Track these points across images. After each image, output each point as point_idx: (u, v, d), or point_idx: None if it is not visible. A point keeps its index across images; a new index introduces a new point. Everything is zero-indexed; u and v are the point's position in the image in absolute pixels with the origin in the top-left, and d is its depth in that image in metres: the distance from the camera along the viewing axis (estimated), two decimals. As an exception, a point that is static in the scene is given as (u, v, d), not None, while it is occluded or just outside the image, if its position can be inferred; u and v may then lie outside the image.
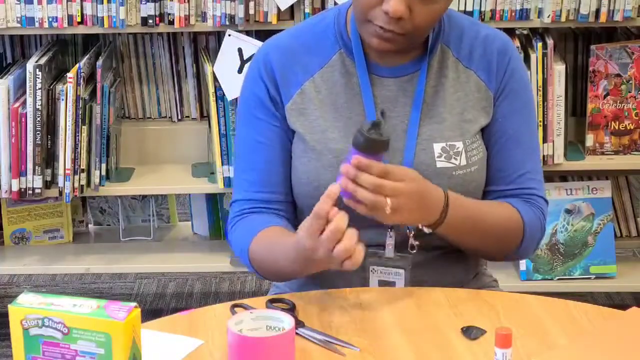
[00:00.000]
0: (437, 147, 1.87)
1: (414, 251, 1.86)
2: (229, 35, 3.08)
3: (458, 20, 1.95)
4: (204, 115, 3.39)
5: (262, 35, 3.08)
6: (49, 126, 3.12)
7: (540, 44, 3.04)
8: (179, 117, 3.42)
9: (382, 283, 1.88)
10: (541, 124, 3.07)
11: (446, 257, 1.93)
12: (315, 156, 1.88)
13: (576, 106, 3.31)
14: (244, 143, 1.96)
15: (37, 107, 3.06)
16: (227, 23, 3.06)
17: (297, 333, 1.64)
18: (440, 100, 1.89)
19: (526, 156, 1.94)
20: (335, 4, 3.00)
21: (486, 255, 2.00)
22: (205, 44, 3.34)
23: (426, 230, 1.81)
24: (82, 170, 3.12)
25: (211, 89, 3.15)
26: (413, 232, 1.83)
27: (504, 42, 1.94)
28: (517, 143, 1.93)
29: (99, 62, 3.12)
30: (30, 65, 3.04)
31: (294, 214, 1.98)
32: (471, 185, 1.90)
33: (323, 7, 3.07)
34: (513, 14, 3.04)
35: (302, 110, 1.90)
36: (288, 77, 1.91)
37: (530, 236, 1.92)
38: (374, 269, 1.89)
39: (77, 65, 3.08)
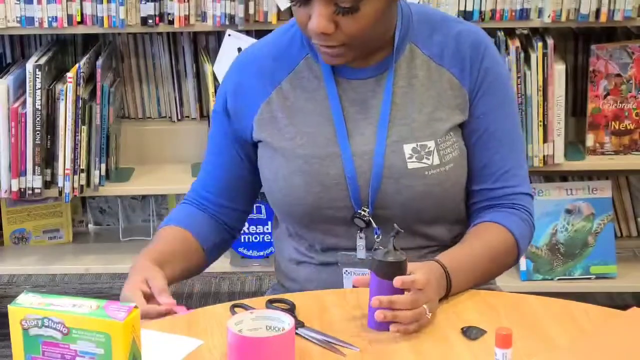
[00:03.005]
0: (408, 148, 1.85)
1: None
2: (229, 35, 3.08)
3: (430, 16, 1.93)
4: (204, 115, 3.39)
5: (261, 35, 3.07)
6: (49, 126, 3.12)
7: (540, 44, 3.04)
8: (179, 117, 3.42)
9: None
10: (541, 124, 3.07)
11: (436, 255, 1.92)
12: (284, 163, 1.88)
13: (576, 106, 3.31)
14: (208, 140, 2.02)
15: (37, 107, 3.06)
16: (227, 23, 3.06)
17: (297, 333, 1.63)
18: (410, 100, 1.88)
19: (509, 152, 1.92)
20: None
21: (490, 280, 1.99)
22: (205, 44, 3.35)
23: None
24: (82, 170, 3.12)
25: (211, 89, 3.15)
26: (401, 231, 1.77)
27: (478, 38, 1.91)
28: (499, 139, 1.91)
29: (99, 62, 3.12)
30: (30, 65, 3.04)
31: (238, 221, 2.04)
32: (447, 184, 1.87)
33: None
34: (513, 13, 3.03)
35: (270, 119, 1.90)
36: (254, 93, 1.91)
37: (524, 247, 1.93)
38: (347, 270, 1.90)
39: (76, 65, 3.08)
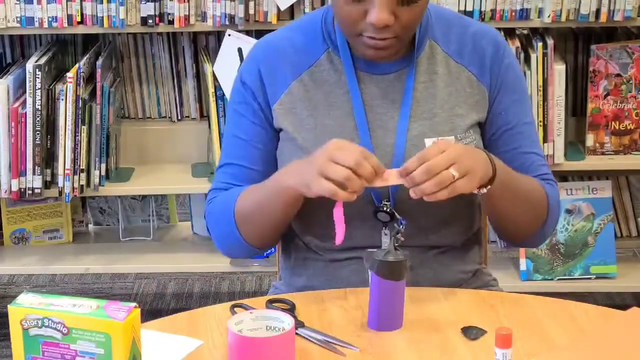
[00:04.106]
0: (429, 142, 1.87)
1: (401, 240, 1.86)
2: (229, 35, 3.08)
3: (446, 15, 1.96)
4: (204, 115, 3.39)
5: (261, 35, 3.08)
6: (49, 126, 3.12)
7: (540, 44, 3.04)
8: (179, 117, 3.42)
9: None
10: (541, 124, 3.07)
11: (443, 256, 1.93)
12: (306, 155, 1.88)
13: (576, 106, 3.31)
14: (226, 137, 1.98)
15: (37, 107, 3.06)
16: (227, 23, 3.06)
17: (297, 333, 1.64)
18: (431, 96, 1.90)
19: (532, 144, 1.97)
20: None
21: (519, 229, 1.96)
22: (205, 44, 3.35)
23: (484, 190, 1.78)
24: (82, 170, 3.12)
25: (211, 89, 3.15)
26: (401, 229, 1.78)
27: (494, 37, 1.95)
28: (521, 133, 1.95)
29: (99, 62, 3.12)
30: (30, 65, 3.04)
31: None
32: None
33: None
34: (513, 13, 3.04)
35: (290, 109, 1.91)
36: (276, 79, 1.92)
37: (553, 210, 1.95)
38: None
39: (76, 65, 3.08)
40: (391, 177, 1.73)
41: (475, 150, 1.79)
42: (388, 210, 1.86)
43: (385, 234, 1.89)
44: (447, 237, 1.93)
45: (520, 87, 1.97)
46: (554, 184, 1.99)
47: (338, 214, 1.73)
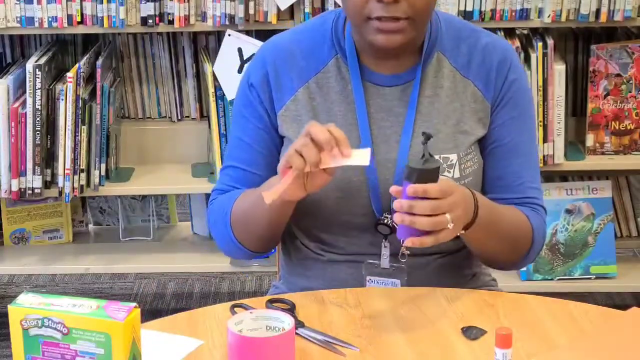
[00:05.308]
0: None
1: (404, 260, 1.86)
2: (229, 35, 3.08)
3: (457, 26, 1.93)
4: (204, 115, 3.39)
5: (262, 35, 3.09)
6: (49, 126, 3.12)
7: (540, 44, 3.04)
8: (179, 117, 3.42)
9: None
10: (541, 124, 3.07)
11: (442, 262, 1.93)
12: None
13: (576, 106, 3.31)
14: (231, 138, 1.98)
15: (37, 107, 3.06)
16: (227, 23, 3.06)
17: (297, 333, 1.64)
18: (435, 111, 1.88)
19: (525, 164, 1.93)
20: (335, 4, 3.00)
21: (498, 261, 1.95)
22: (205, 44, 3.35)
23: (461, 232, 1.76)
24: (82, 170, 3.12)
25: (211, 89, 3.15)
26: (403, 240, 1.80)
27: (504, 51, 1.91)
28: (514, 151, 1.91)
29: (99, 62, 3.12)
30: (30, 65, 3.04)
31: None
32: None
33: (323, 7, 3.07)
34: (513, 13, 3.04)
35: (295, 117, 1.90)
36: (282, 84, 1.90)
37: (537, 242, 1.92)
38: (370, 279, 1.90)
39: (76, 65, 3.08)
40: (356, 156, 1.68)
41: (468, 196, 1.74)
42: (389, 223, 1.86)
43: (385, 247, 1.88)
44: (447, 244, 1.92)
45: (523, 105, 1.92)
46: (541, 212, 1.94)
47: (286, 176, 1.71)
